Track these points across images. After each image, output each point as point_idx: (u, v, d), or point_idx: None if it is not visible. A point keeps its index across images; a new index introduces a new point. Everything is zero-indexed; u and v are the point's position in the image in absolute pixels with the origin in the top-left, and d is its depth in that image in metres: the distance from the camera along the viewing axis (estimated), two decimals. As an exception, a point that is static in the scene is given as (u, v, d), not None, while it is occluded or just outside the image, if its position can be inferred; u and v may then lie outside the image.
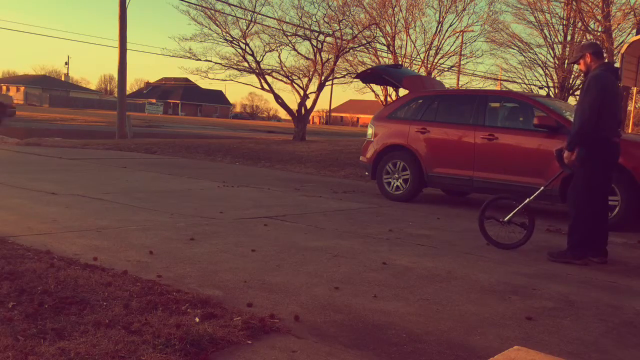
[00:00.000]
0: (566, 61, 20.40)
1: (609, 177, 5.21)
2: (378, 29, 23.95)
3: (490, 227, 5.65)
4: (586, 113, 4.96)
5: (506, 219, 5.53)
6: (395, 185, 8.73)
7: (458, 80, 29.23)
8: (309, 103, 22.11)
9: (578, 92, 22.75)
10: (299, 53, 23.42)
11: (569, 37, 21.76)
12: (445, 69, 27.04)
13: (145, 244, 4.79)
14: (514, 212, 5.51)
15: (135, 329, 2.86)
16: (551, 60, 22.43)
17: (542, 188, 5.36)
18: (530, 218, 5.50)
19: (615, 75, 5.23)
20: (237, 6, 21.34)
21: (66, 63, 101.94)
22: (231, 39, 21.50)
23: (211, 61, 22.15)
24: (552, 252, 5.26)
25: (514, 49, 23.54)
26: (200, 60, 22.04)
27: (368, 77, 10.81)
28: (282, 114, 78.30)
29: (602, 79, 4.99)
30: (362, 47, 22.77)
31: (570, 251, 5.12)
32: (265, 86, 21.94)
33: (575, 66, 21.90)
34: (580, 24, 20.09)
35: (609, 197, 5.30)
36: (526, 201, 5.46)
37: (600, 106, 4.94)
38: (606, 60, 5.34)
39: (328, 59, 21.56)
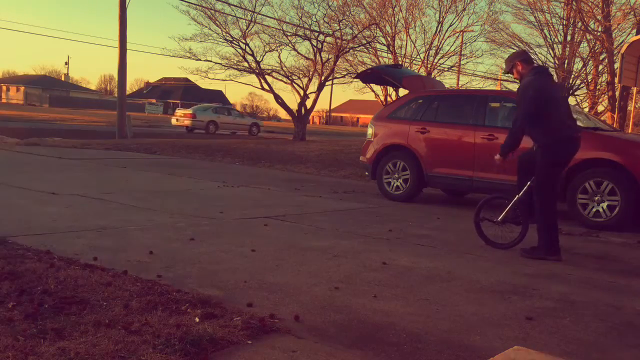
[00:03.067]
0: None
1: (559, 173, 5.40)
2: (378, 29, 23.96)
3: (487, 227, 5.65)
4: (518, 122, 5.22)
5: (500, 218, 5.53)
6: (395, 185, 8.72)
7: (458, 80, 29.24)
8: (309, 103, 22.15)
9: (578, 92, 22.79)
10: (299, 53, 23.47)
11: (569, 37, 21.75)
12: (445, 69, 27.06)
13: (145, 244, 4.79)
14: (507, 210, 5.51)
15: (135, 329, 2.86)
16: (551, 60, 22.42)
17: (528, 183, 5.39)
18: (524, 215, 5.50)
19: (548, 77, 5.36)
20: (237, 6, 21.38)
21: (66, 63, 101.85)
22: (231, 39, 21.54)
23: (211, 61, 22.19)
24: (525, 249, 5.32)
25: (514, 49, 23.50)
26: (200, 60, 22.10)
27: (368, 77, 10.81)
28: (282, 114, 78.12)
29: (533, 85, 5.13)
30: (362, 47, 22.79)
31: (544, 247, 5.19)
32: (265, 86, 21.97)
33: (575, 66, 22.03)
34: (580, 24, 20.08)
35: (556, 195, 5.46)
36: (515, 198, 5.46)
37: (539, 111, 5.10)
38: (536, 64, 5.50)
39: (328, 59, 21.58)
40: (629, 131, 15.26)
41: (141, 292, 3.46)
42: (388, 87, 21.43)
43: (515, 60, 5.40)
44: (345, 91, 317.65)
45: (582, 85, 22.56)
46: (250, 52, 21.59)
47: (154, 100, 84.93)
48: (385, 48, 25.03)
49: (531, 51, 22.82)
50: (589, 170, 7.13)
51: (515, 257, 5.21)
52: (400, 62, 23.35)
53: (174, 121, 31.90)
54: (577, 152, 5.38)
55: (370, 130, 9.28)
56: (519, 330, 3.30)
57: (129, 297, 3.35)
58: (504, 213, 5.51)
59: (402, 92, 9.32)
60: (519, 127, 5.23)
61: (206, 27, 21.65)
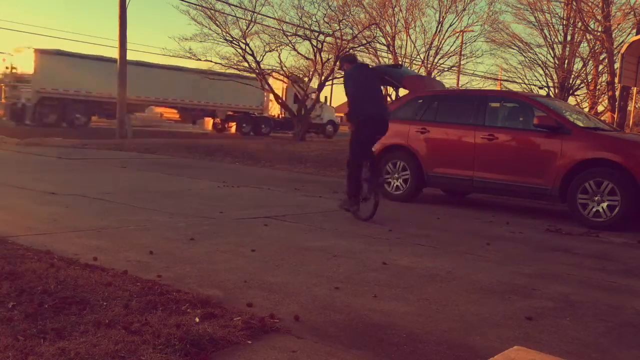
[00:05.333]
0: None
1: (367, 143, 6.80)
2: (378, 29, 23.98)
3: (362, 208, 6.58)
4: (350, 101, 6.76)
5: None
6: (395, 185, 8.72)
7: (458, 80, 29.26)
8: (309, 103, 22.12)
9: (578, 92, 22.82)
10: (299, 53, 23.40)
11: (569, 37, 21.75)
12: (445, 69, 27.07)
13: (145, 244, 4.79)
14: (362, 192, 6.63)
15: (135, 329, 2.86)
16: (551, 60, 22.43)
17: (368, 163, 6.61)
18: (371, 191, 6.59)
19: (362, 70, 6.98)
20: (237, 6, 21.38)
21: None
22: (231, 39, 21.53)
23: (211, 61, 22.20)
24: (340, 203, 6.85)
25: (514, 49, 23.52)
26: (200, 60, 22.08)
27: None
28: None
29: (347, 74, 6.85)
30: (362, 47, 22.79)
31: (349, 201, 6.64)
32: (265, 86, 21.95)
33: (575, 66, 22.07)
34: (580, 24, 20.08)
35: (369, 161, 6.73)
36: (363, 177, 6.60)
37: (351, 95, 6.70)
38: (359, 63, 7.22)
39: (328, 59, 21.57)
40: (629, 131, 15.26)
41: (141, 292, 3.45)
42: (388, 87, 21.41)
43: (343, 62, 7.23)
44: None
45: (582, 85, 22.58)
46: (250, 52, 21.59)
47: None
48: (385, 48, 25.07)
49: (531, 51, 22.85)
50: (589, 170, 7.13)
51: (515, 257, 5.22)
52: (400, 62, 23.36)
53: None
54: (386, 130, 6.80)
55: (370, 130, 9.27)
56: (519, 330, 3.30)
57: (129, 297, 3.35)
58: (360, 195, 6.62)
59: (402, 92, 9.31)
60: (351, 103, 6.83)
61: (206, 27, 21.67)
